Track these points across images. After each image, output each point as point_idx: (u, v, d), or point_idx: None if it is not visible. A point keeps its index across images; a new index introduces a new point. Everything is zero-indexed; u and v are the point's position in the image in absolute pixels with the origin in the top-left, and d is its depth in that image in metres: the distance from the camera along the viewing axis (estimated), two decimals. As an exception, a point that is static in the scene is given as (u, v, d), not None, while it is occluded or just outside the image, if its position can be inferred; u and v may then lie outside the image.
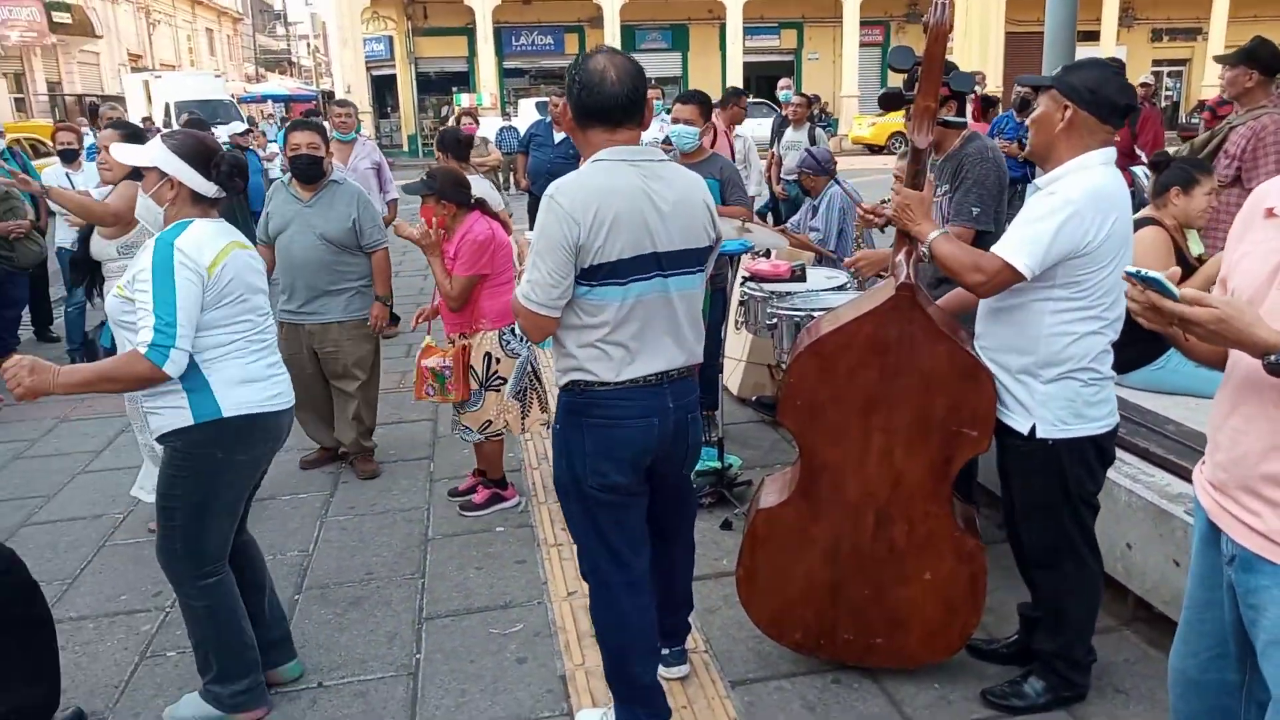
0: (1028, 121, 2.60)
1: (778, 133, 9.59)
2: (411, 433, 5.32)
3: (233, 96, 25.36)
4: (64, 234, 7.00)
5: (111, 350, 5.10)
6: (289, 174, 4.64)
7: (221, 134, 12.12)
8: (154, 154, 2.61)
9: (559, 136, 9.05)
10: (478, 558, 3.86)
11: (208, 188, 2.63)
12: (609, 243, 2.24)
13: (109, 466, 4.92)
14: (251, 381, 2.66)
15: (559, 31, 31.98)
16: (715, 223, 2.48)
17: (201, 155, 2.63)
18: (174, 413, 2.57)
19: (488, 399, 4.15)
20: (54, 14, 27.68)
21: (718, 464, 4.20)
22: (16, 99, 26.17)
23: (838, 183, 5.38)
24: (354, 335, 4.61)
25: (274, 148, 13.39)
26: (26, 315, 7.59)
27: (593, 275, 2.27)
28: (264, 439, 2.74)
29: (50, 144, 16.75)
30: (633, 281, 2.30)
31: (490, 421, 4.17)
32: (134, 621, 3.47)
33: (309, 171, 4.48)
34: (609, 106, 2.27)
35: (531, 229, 2.67)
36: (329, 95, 35.35)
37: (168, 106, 22.35)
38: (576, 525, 2.56)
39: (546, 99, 14.83)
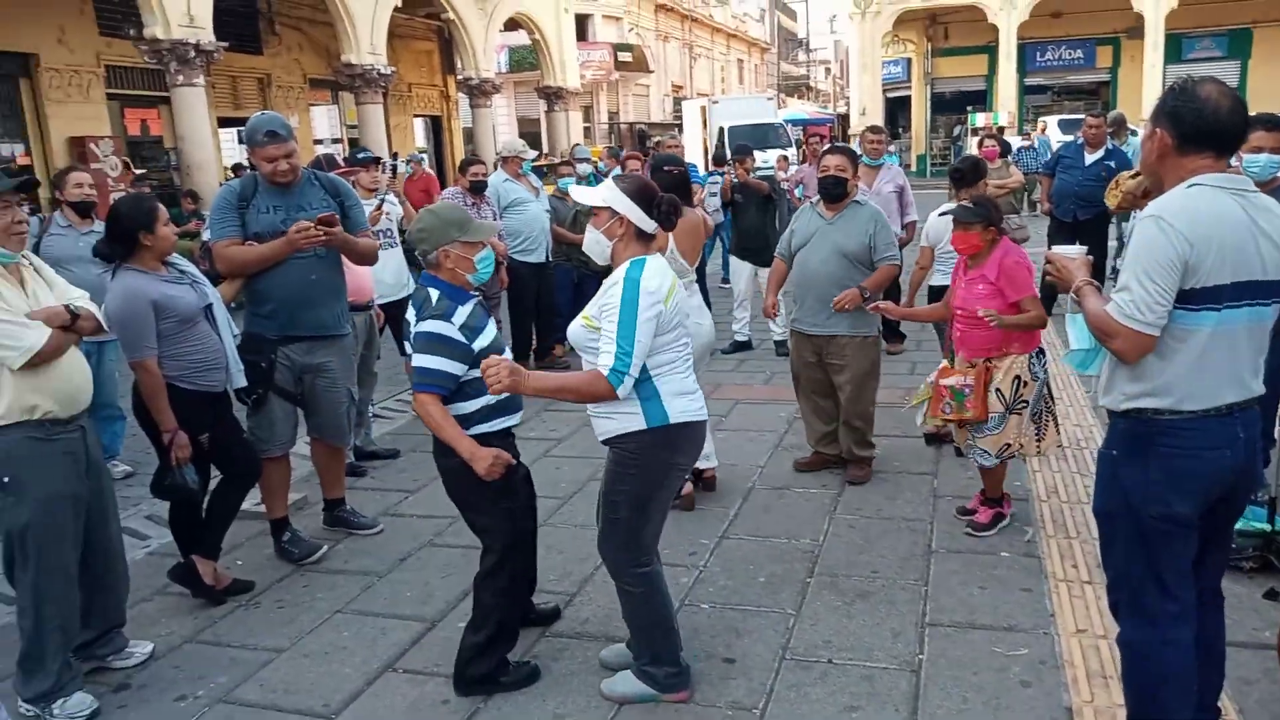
0: None
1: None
2: (915, 447, 5.47)
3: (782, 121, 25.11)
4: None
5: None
6: (817, 196, 5.04)
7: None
8: (605, 194, 2.96)
9: (1090, 158, 8.56)
10: (981, 577, 3.90)
11: (649, 224, 2.95)
12: (1215, 267, 2.26)
13: (654, 442, 5.75)
14: (686, 394, 3.00)
15: (1090, 45, 29.83)
16: None
17: (646, 195, 2.94)
18: (629, 418, 2.93)
19: (1010, 422, 4.18)
20: (619, 54, 32.26)
21: (1266, 526, 3.77)
22: (585, 127, 30.89)
23: None
24: (859, 349, 4.91)
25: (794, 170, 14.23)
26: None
27: (1190, 299, 2.29)
28: (695, 443, 3.09)
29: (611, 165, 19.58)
30: (1227, 308, 2.30)
31: (1009, 445, 4.19)
32: (674, 573, 4.04)
33: (834, 190, 4.86)
34: (1224, 135, 2.32)
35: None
36: (844, 118, 36.69)
37: (721, 131, 22.79)
38: (1120, 554, 2.52)
39: (1079, 116, 13.97)
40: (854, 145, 9.70)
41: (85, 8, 14.80)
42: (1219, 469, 2.37)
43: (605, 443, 3.05)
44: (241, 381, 4.01)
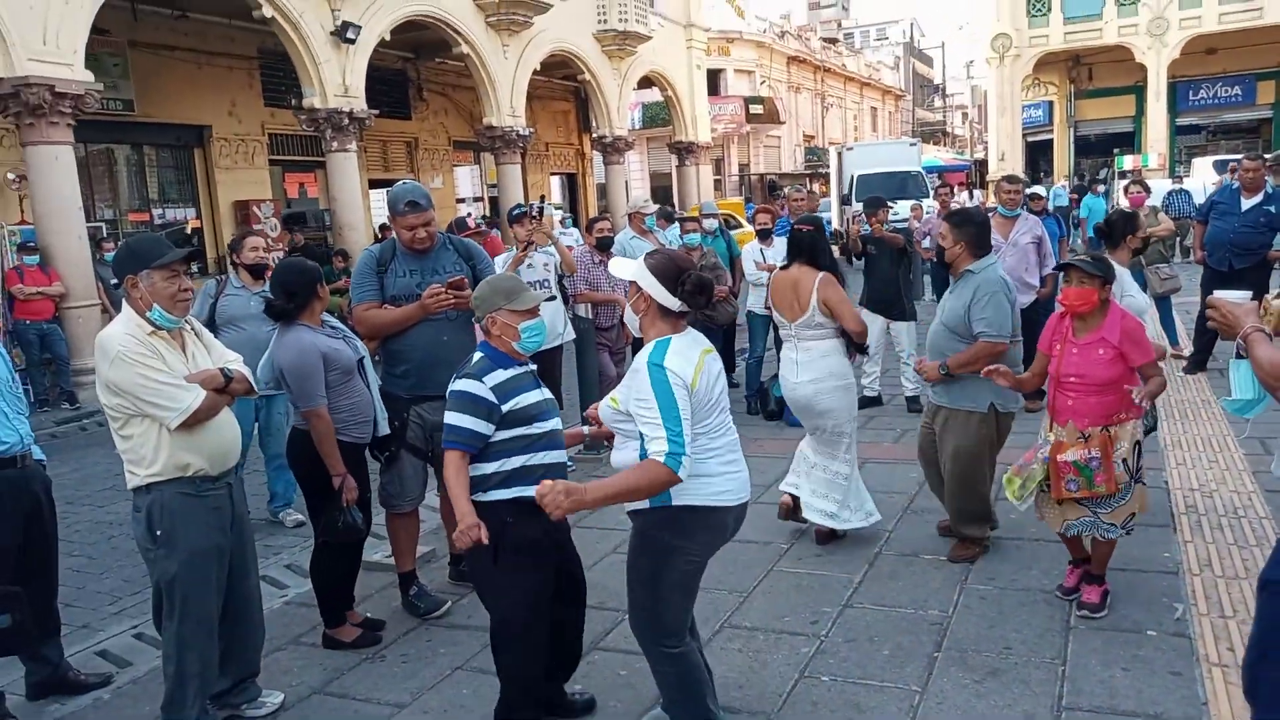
0: None
1: None
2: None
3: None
4: (754, 299, 8.26)
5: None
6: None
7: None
8: (635, 270, 2.98)
9: (1248, 204, 8.05)
10: (1124, 658, 3.65)
11: (673, 303, 2.90)
12: None
13: (778, 501, 5.64)
14: (701, 477, 2.89)
15: (1249, 80, 28.25)
16: None
17: (671, 274, 2.90)
18: None
19: (1136, 491, 3.95)
20: (750, 107, 32.54)
21: None
22: (716, 180, 31.17)
23: None
24: (961, 424, 4.58)
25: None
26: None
27: None
28: (707, 529, 2.98)
29: (739, 219, 19.69)
30: None
31: (1135, 514, 3.97)
32: (795, 642, 3.97)
33: (942, 257, 4.66)
34: None
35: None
36: (981, 163, 35.77)
37: (852, 179, 21.68)
38: None
39: (1236, 157, 13.15)
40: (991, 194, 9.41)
41: (253, 82, 16.04)
42: None
43: (629, 514, 3.04)
44: (386, 429, 4.23)
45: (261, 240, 5.99)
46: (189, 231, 15.14)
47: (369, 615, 4.37)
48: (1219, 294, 2.56)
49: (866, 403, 8.00)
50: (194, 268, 14.10)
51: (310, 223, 17.12)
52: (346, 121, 13.93)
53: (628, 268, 3.05)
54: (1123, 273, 4.81)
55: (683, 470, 2.75)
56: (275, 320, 4.11)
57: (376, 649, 4.14)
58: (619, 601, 4.42)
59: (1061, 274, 4.03)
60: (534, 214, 6.72)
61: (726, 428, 3.02)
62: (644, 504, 2.92)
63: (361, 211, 15.08)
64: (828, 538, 4.99)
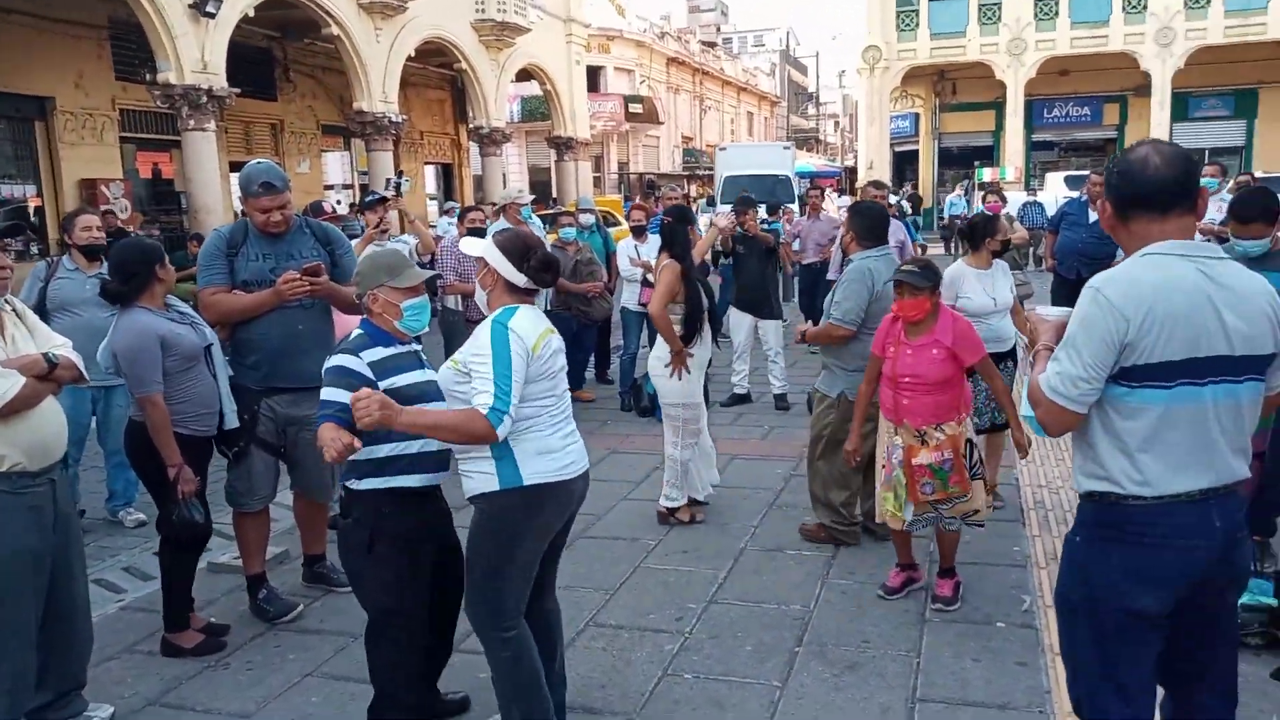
0: None
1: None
2: (913, 509, 5.34)
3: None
4: (629, 295, 8.23)
5: (654, 396, 5.96)
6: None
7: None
8: (483, 247, 3.01)
9: (1094, 215, 8.51)
10: (975, 649, 3.77)
11: (519, 279, 2.93)
12: (1159, 343, 2.11)
13: (647, 497, 5.63)
14: (549, 453, 2.91)
15: (1097, 102, 30.07)
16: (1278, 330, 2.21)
17: (518, 251, 2.94)
18: (484, 478, 2.87)
19: (975, 488, 4.08)
20: (630, 106, 32.63)
21: (1272, 601, 3.64)
22: (595, 177, 31.12)
23: None
24: (818, 406, 4.94)
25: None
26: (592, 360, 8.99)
27: (1133, 375, 2.15)
28: (557, 505, 2.98)
29: (617, 216, 19.69)
30: (1180, 385, 2.14)
31: (978, 510, 4.10)
32: (659, 639, 3.94)
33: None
34: (1153, 191, 2.18)
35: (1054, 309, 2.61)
36: (851, 170, 36.93)
37: (723, 180, 21.72)
38: (1079, 648, 2.37)
39: (1083, 173, 13.97)
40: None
41: (103, 53, 15.03)
42: (1187, 561, 2.19)
43: (469, 500, 2.98)
44: (235, 422, 3.99)
45: (95, 219, 5.53)
46: (29, 210, 14.08)
47: (213, 620, 4.11)
48: (1039, 309, 2.64)
49: (735, 400, 8.09)
50: (34, 247, 13.14)
51: (141, 207, 16.03)
52: (205, 99, 13.22)
53: (477, 245, 3.05)
54: (964, 274, 5.00)
55: (501, 429, 2.74)
56: (112, 303, 3.84)
57: (220, 656, 3.90)
58: (482, 601, 4.31)
59: (893, 286, 4.11)
60: (392, 192, 6.47)
61: (565, 402, 3.05)
62: (494, 486, 2.86)
63: (220, 195, 14.35)
64: (665, 518, 5.26)
